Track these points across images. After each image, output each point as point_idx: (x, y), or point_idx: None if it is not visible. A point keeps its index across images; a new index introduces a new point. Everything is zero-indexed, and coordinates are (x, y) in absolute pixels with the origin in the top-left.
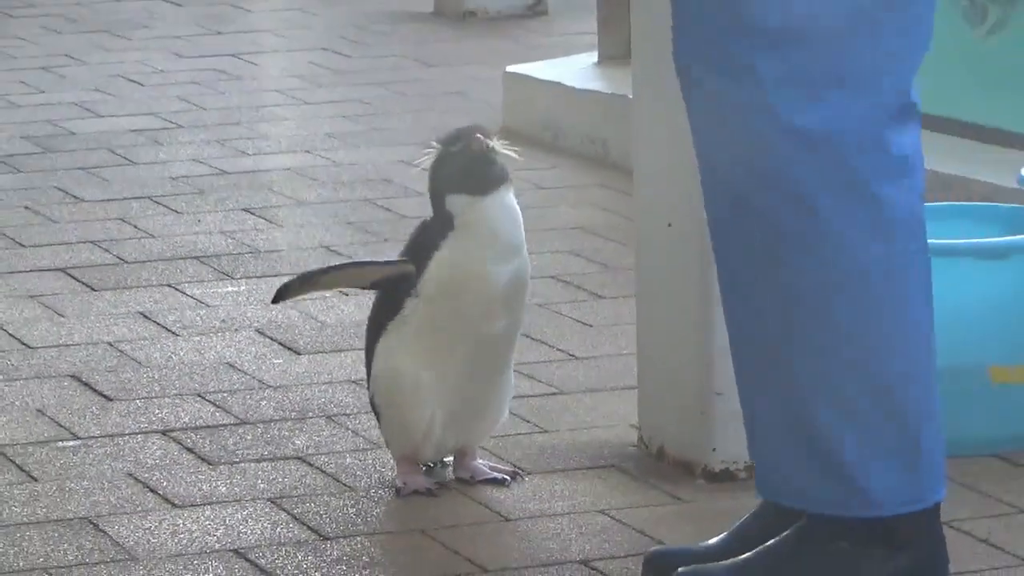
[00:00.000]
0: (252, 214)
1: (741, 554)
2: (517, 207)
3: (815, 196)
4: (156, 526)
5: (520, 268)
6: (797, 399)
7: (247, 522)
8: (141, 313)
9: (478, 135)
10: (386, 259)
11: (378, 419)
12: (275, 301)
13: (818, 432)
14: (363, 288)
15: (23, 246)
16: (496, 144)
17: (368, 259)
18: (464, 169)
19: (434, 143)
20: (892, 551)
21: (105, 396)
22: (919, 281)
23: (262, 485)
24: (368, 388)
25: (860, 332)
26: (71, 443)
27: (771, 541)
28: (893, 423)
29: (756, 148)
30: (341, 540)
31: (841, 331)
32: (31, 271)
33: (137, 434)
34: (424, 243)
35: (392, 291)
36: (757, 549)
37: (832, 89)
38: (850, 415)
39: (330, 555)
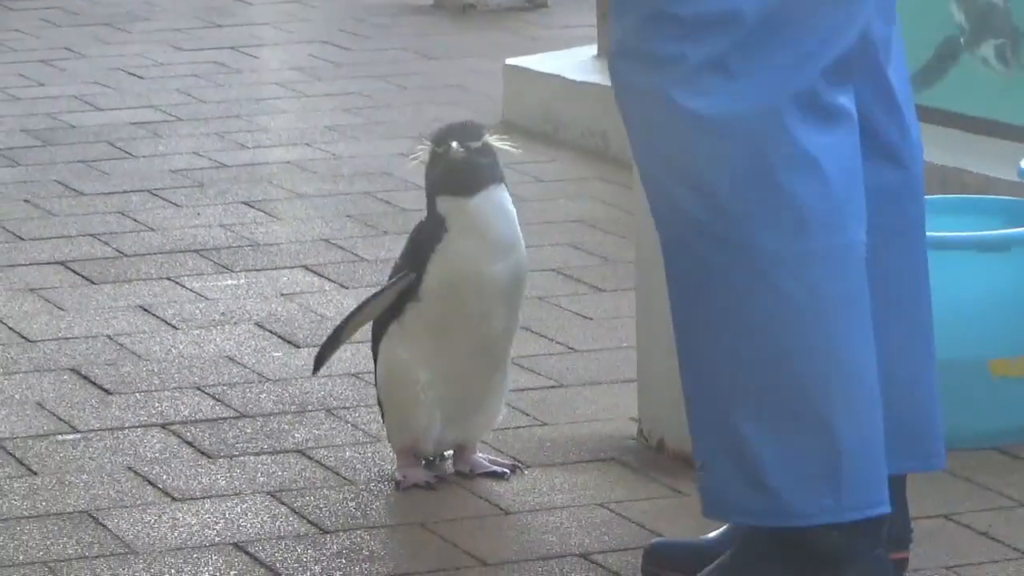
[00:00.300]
0: (251, 207)
1: None
2: (510, 204)
3: (723, 187)
4: (156, 519)
5: (517, 265)
6: (721, 407)
7: (247, 515)
8: (140, 306)
9: (453, 143)
10: (389, 282)
11: (382, 415)
12: (315, 371)
13: (741, 440)
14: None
15: (22, 239)
16: (492, 139)
17: (375, 291)
18: (450, 171)
19: (425, 140)
20: (824, 568)
21: (104, 389)
22: (844, 285)
23: (262, 478)
24: (376, 387)
25: (772, 334)
26: (71, 436)
27: (723, 555)
28: (810, 430)
29: (664, 139)
30: (341, 533)
31: (753, 333)
32: (31, 264)
33: (137, 427)
34: (421, 246)
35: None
36: (711, 565)
37: (736, 78)
38: (767, 422)
39: (330, 548)
